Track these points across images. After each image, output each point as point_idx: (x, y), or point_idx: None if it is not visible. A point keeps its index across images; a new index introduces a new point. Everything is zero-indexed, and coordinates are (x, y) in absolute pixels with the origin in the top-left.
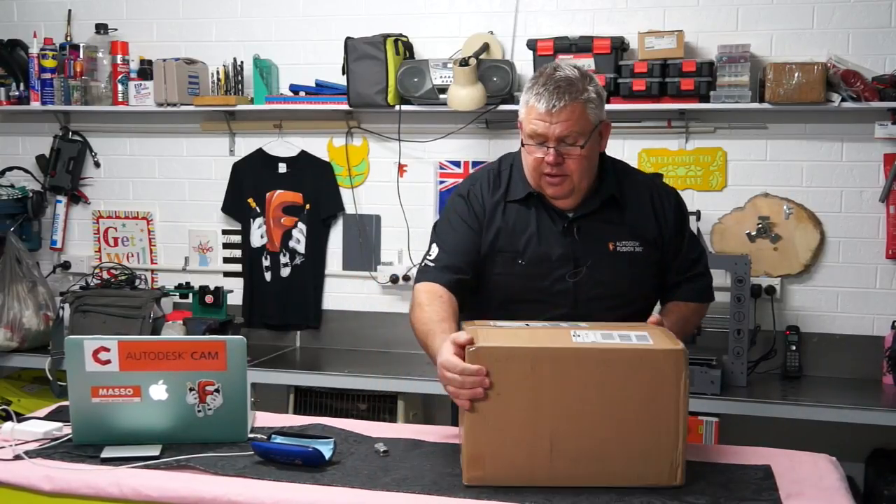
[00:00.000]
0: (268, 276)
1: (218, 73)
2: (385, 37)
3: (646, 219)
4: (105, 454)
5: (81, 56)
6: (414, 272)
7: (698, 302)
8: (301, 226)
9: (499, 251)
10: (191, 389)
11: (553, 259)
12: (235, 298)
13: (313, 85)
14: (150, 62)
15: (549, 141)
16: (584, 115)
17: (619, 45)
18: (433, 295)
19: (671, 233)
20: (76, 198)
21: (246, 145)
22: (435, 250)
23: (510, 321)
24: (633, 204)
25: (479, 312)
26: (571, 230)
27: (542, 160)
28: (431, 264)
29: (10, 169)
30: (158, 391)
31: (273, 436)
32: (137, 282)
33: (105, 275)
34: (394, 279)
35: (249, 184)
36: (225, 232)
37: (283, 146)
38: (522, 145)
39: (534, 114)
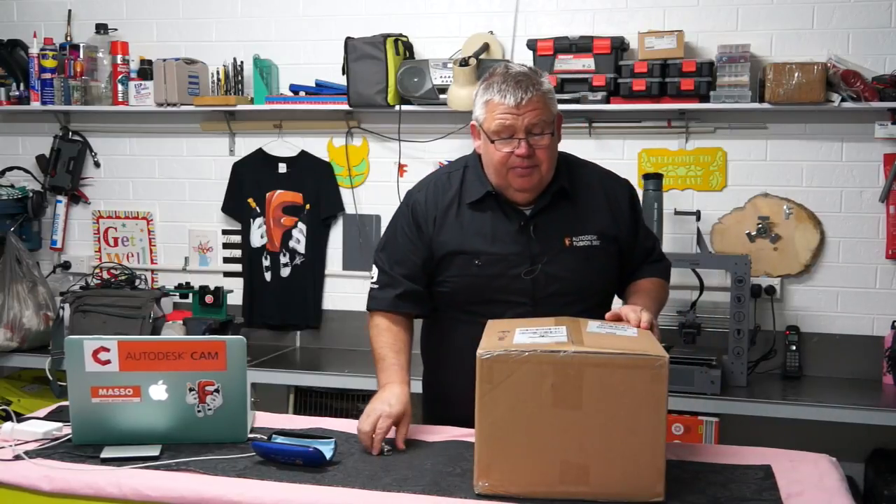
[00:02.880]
0: (268, 276)
1: (218, 73)
2: (385, 37)
3: (601, 211)
4: (105, 454)
5: (81, 56)
6: None
7: (661, 278)
8: (301, 226)
9: (454, 253)
10: (191, 389)
11: (509, 258)
12: (235, 298)
13: (313, 85)
14: (150, 62)
15: (517, 133)
16: (548, 106)
17: (619, 45)
18: (387, 321)
19: (627, 224)
20: (76, 198)
21: (246, 145)
22: (375, 272)
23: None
24: (587, 196)
25: (441, 315)
26: (528, 228)
27: (510, 155)
28: (375, 286)
29: (10, 169)
30: (158, 391)
31: (273, 436)
32: (137, 282)
33: (105, 275)
34: None
35: (249, 184)
36: (225, 232)
37: (283, 146)
38: (491, 141)
39: (500, 109)
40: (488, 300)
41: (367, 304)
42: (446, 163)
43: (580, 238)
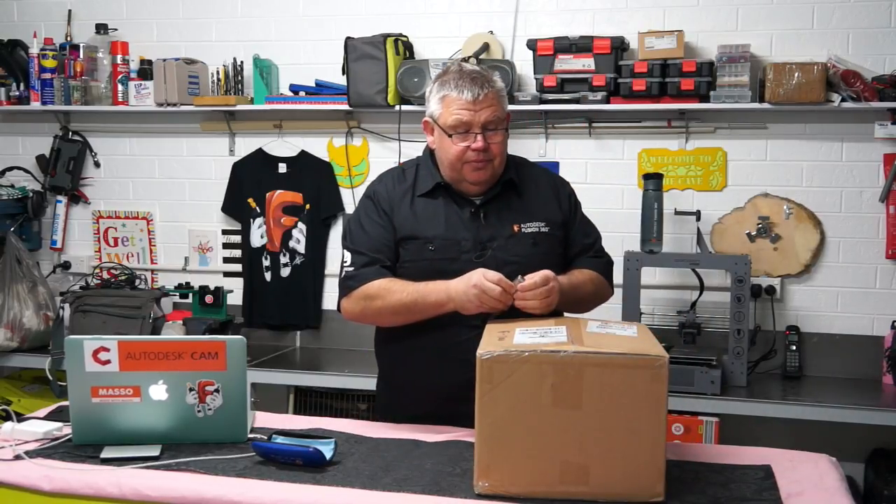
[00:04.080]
0: (268, 276)
1: (218, 73)
2: (385, 37)
3: (548, 202)
4: (105, 454)
5: (81, 56)
6: None
7: (597, 272)
8: (301, 226)
9: (408, 239)
10: (191, 389)
11: (461, 243)
12: (235, 298)
13: (313, 85)
14: (150, 62)
15: (474, 128)
16: (501, 103)
17: (619, 45)
18: (386, 280)
19: (567, 215)
20: (76, 198)
21: (246, 145)
22: (348, 256)
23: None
24: (534, 189)
25: None
26: (478, 215)
27: (466, 149)
28: (350, 269)
29: (10, 169)
30: (158, 391)
31: (273, 436)
32: (137, 282)
33: (105, 275)
34: None
35: (249, 184)
36: (225, 232)
37: (283, 146)
38: (448, 136)
39: (457, 105)
40: None
41: (347, 286)
42: None
43: (528, 225)
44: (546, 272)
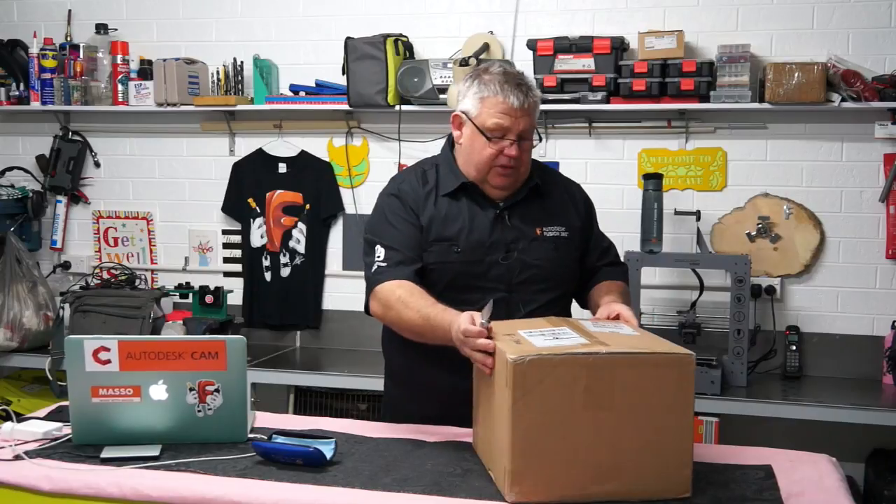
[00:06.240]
0: (268, 276)
1: (218, 73)
2: (385, 37)
3: (566, 207)
4: (105, 454)
5: (81, 56)
6: None
7: (624, 282)
8: (301, 226)
9: (433, 241)
10: (191, 389)
11: (486, 245)
12: (235, 298)
13: (313, 85)
14: (150, 62)
15: (510, 134)
16: (537, 113)
17: (619, 45)
18: (408, 289)
19: (584, 221)
20: (76, 198)
21: (246, 145)
22: (381, 251)
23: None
24: (553, 194)
25: None
26: (503, 217)
27: (498, 154)
28: (384, 264)
29: (10, 169)
30: (158, 391)
31: (273, 436)
32: (137, 282)
33: (105, 275)
34: None
35: (249, 184)
36: (225, 232)
37: (283, 146)
38: (486, 137)
39: (499, 108)
40: (466, 287)
41: (377, 279)
42: None
43: (550, 229)
44: (616, 308)
